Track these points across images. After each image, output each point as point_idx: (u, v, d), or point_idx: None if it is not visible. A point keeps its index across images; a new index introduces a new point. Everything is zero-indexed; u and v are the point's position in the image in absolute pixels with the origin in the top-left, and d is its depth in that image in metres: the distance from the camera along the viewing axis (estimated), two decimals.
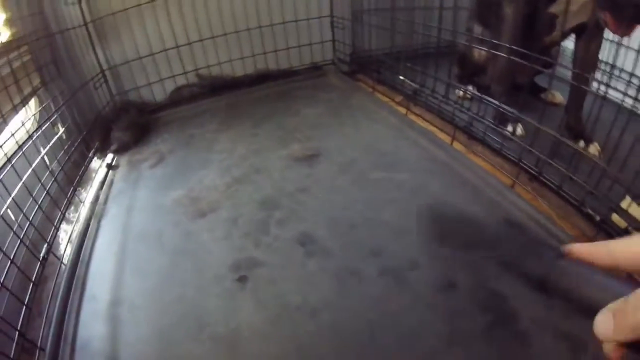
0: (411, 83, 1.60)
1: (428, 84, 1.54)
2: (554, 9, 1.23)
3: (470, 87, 1.67)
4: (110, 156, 1.50)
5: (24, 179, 1.03)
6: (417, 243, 0.98)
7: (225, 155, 1.41)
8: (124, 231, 1.13)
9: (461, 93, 1.63)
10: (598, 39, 1.25)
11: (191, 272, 0.96)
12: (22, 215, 0.98)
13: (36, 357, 0.81)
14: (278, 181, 1.25)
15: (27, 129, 1.16)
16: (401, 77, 1.64)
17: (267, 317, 0.84)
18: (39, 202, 1.06)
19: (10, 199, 0.96)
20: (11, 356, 0.76)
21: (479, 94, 1.38)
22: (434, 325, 0.80)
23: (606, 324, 0.31)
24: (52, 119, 1.32)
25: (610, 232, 0.94)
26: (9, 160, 0.99)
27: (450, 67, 1.44)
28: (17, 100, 1.14)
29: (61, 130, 1.40)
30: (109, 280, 0.97)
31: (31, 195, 1.03)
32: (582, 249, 0.36)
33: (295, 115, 1.67)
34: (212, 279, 0.94)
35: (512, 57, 1.15)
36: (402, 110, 1.62)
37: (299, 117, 1.65)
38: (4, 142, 1.01)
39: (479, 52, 1.51)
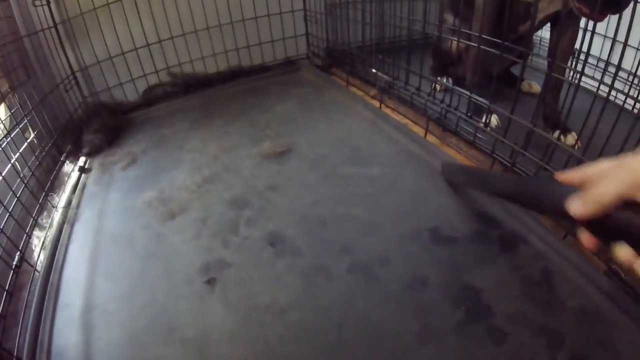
0: (384, 76, 1.60)
1: (401, 76, 1.54)
2: None
3: (445, 79, 1.67)
4: (82, 159, 1.48)
5: None
6: (387, 238, 0.99)
7: (197, 154, 1.41)
8: (96, 235, 1.12)
9: (436, 85, 1.64)
10: (573, 27, 1.24)
11: (161, 275, 0.96)
12: None
13: None
14: (248, 179, 1.25)
15: None
16: (374, 71, 1.63)
17: (236, 318, 0.84)
18: (10, 210, 1.05)
19: None
20: None
21: (451, 85, 1.38)
22: (404, 322, 0.80)
23: (576, 205, 0.46)
24: (22, 124, 1.31)
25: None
26: None
27: (422, 59, 1.43)
28: None
29: (32, 135, 1.39)
30: (81, 286, 0.97)
31: (2, 203, 1.03)
32: (565, 175, 0.54)
33: (268, 111, 1.66)
34: (182, 281, 0.94)
35: (484, 48, 1.15)
36: (376, 103, 1.63)
37: (272, 113, 1.65)
38: None
39: (453, 43, 1.51)
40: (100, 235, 1.12)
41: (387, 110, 1.58)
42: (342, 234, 1.02)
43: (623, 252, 0.43)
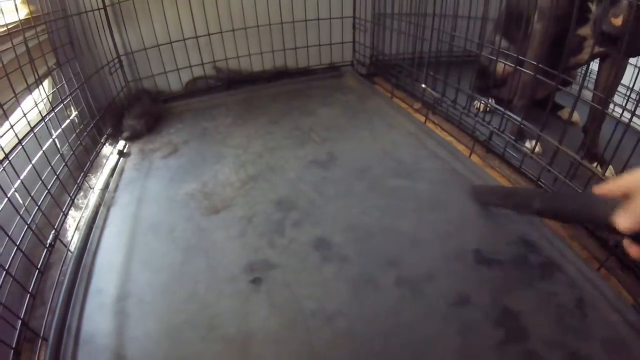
0: (432, 92, 1.57)
1: (449, 93, 1.51)
2: (584, 31, 1.21)
3: (490, 100, 1.64)
4: (121, 143, 1.47)
5: (33, 161, 1.00)
6: (433, 255, 0.97)
7: (240, 151, 1.39)
8: (134, 222, 1.10)
9: (480, 105, 1.61)
10: (622, 63, 1.24)
11: (203, 271, 0.94)
12: (29, 198, 0.95)
13: (38, 347, 0.79)
14: (294, 182, 1.23)
15: (40, 109, 1.13)
16: (423, 86, 1.61)
17: (281, 321, 0.82)
18: (49, 187, 1.03)
19: (18, 181, 0.93)
20: (13, 345, 0.74)
21: (501, 108, 1.36)
22: (447, 338, 0.79)
23: (622, 219, 0.48)
24: (66, 101, 1.29)
25: (622, 257, 0.94)
26: (20, 141, 0.96)
27: (472, 79, 1.41)
28: (31, 80, 1.10)
29: (74, 113, 1.37)
30: (116, 273, 0.95)
31: (40, 178, 1.00)
32: (604, 187, 0.55)
33: (311, 115, 1.65)
34: (225, 278, 0.91)
35: (537, 75, 1.13)
36: (421, 118, 1.60)
37: (315, 117, 1.63)
38: (16, 122, 0.98)
39: (501, 66, 1.48)
40: (139, 222, 1.10)
41: (431, 126, 1.55)
42: (389, 247, 0.99)
43: None
